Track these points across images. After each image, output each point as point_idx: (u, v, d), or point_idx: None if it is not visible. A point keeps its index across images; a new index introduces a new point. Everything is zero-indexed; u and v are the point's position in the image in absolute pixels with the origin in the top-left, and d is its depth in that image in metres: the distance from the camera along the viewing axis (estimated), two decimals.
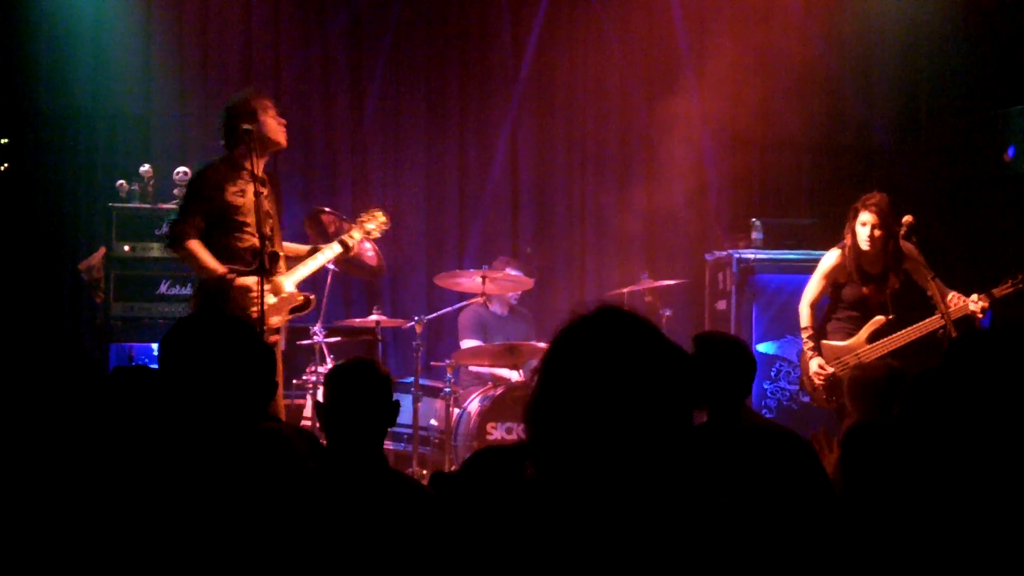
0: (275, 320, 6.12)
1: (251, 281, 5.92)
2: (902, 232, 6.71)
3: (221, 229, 6.07)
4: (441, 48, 9.71)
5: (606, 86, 9.76)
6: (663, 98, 9.54)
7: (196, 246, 6.00)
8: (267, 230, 5.99)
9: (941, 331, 6.58)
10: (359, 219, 6.78)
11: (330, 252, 6.52)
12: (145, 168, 7.62)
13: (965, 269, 8.02)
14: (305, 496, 3.41)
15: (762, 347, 8.37)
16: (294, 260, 6.44)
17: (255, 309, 5.84)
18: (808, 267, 7.36)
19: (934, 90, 9.31)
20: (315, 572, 3.27)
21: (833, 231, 7.15)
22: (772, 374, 8.22)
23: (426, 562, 3.23)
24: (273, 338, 6.16)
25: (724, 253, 8.78)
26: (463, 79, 9.77)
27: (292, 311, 6.24)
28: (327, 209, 7.78)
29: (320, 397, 3.94)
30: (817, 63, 9.51)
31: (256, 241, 5.95)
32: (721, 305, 8.70)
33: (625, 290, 8.38)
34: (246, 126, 5.82)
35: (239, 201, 6.08)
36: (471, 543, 2.20)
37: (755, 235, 8.76)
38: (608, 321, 2.17)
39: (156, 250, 7.46)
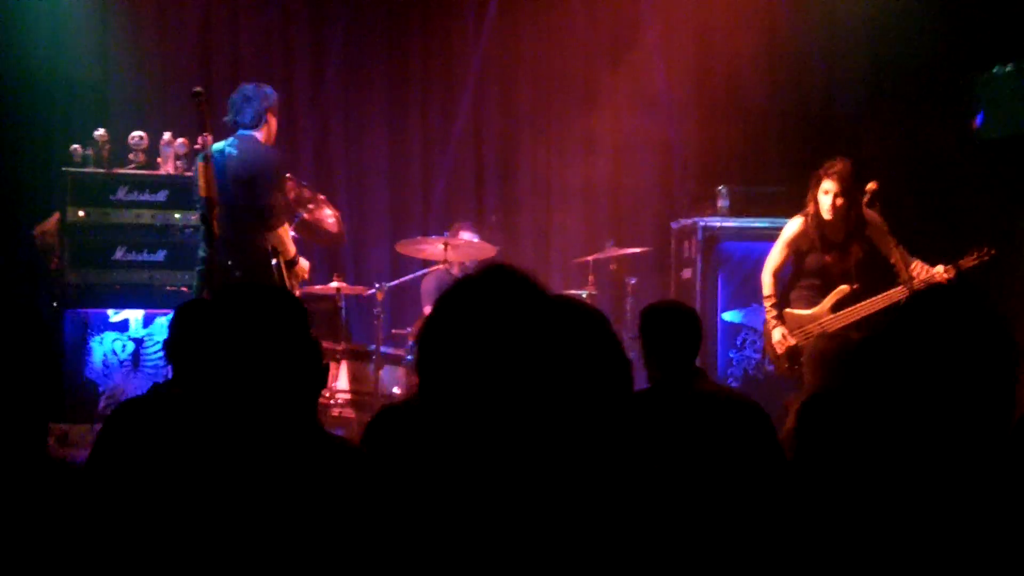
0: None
1: (305, 263, 6.85)
2: (865, 199, 6.68)
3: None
4: (402, 13, 9.61)
5: (570, 53, 9.66)
6: (628, 65, 9.48)
7: (285, 228, 6.64)
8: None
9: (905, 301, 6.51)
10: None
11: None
12: (100, 132, 7.48)
13: (932, 238, 7.96)
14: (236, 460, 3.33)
15: (728, 316, 8.30)
16: None
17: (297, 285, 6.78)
18: (774, 235, 7.29)
19: (900, 55, 9.20)
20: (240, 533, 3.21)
21: (800, 199, 7.08)
22: (738, 343, 8.16)
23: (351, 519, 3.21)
24: None
25: (689, 221, 8.68)
26: (425, 44, 9.70)
27: None
28: (287, 176, 7.73)
29: None
30: (783, 29, 9.44)
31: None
32: (686, 274, 8.63)
33: (590, 258, 8.32)
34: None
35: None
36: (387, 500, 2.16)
37: (721, 203, 8.66)
38: (492, 280, 2.14)
39: (111, 216, 7.33)
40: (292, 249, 6.64)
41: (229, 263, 6.38)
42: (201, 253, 6.43)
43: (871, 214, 6.78)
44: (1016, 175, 8.52)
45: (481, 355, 2.05)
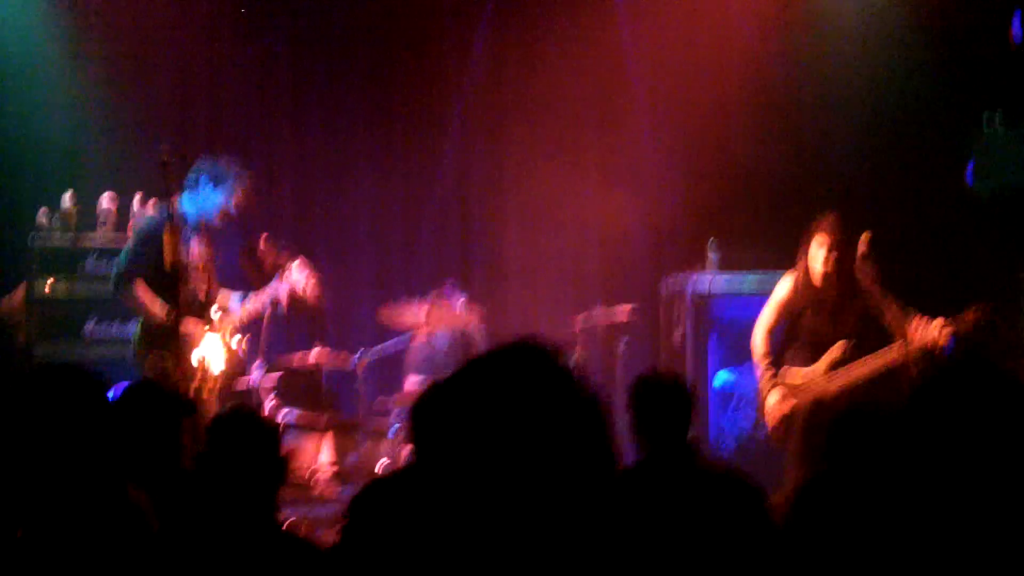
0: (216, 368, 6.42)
1: (193, 327, 6.28)
2: (861, 252, 6.42)
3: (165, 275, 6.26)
4: (385, 71, 9.43)
5: (555, 110, 9.44)
6: (614, 120, 9.36)
7: (141, 289, 6.23)
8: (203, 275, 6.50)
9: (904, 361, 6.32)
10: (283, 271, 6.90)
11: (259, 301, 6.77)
12: (67, 195, 7.21)
13: (928, 289, 7.77)
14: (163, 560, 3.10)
15: (720, 377, 8.03)
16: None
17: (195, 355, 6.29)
18: (767, 291, 7.10)
19: (895, 104, 9.03)
20: None
21: (793, 250, 6.90)
22: (730, 409, 7.89)
23: None
24: (210, 385, 6.38)
25: (678, 278, 8.46)
26: (408, 103, 9.50)
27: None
28: (263, 239, 7.54)
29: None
30: (773, 80, 9.21)
31: (195, 287, 6.43)
32: (677, 333, 8.38)
33: (578, 317, 8.06)
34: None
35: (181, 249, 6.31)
36: None
37: (711, 256, 8.45)
38: (519, 358, 2.00)
39: (80, 287, 7.05)
40: (157, 312, 6.30)
41: None
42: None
43: (864, 271, 6.53)
44: (1014, 228, 8.34)
45: (488, 433, 1.91)
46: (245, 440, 3.34)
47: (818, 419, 6.37)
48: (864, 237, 6.44)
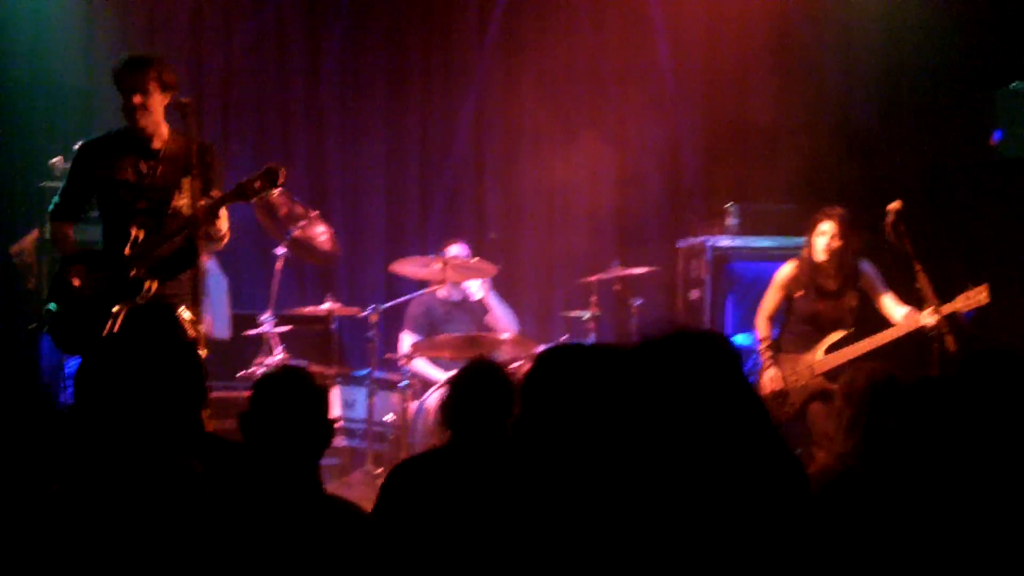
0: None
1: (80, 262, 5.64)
2: (889, 220, 6.50)
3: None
4: (402, 25, 9.30)
5: (574, 68, 9.33)
6: (634, 80, 9.25)
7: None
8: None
9: (934, 336, 6.41)
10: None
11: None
12: (80, 144, 7.11)
13: (947, 258, 7.73)
14: (214, 528, 3.02)
15: (738, 339, 7.99)
16: None
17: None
18: (785, 255, 7.18)
19: (918, 69, 8.93)
20: None
21: (811, 216, 6.93)
22: (747, 368, 7.84)
23: None
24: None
25: (697, 240, 8.42)
26: (425, 58, 9.37)
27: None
28: (277, 190, 7.42)
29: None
30: (796, 41, 9.11)
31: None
32: (695, 294, 8.35)
33: (593, 278, 7.97)
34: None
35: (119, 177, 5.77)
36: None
37: (730, 220, 8.41)
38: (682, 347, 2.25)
39: (93, 232, 6.93)
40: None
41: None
42: None
43: (866, 267, 6.83)
44: None
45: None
46: (293, 400, 3.21)
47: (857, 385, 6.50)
48: (894, 205, 6.53)
